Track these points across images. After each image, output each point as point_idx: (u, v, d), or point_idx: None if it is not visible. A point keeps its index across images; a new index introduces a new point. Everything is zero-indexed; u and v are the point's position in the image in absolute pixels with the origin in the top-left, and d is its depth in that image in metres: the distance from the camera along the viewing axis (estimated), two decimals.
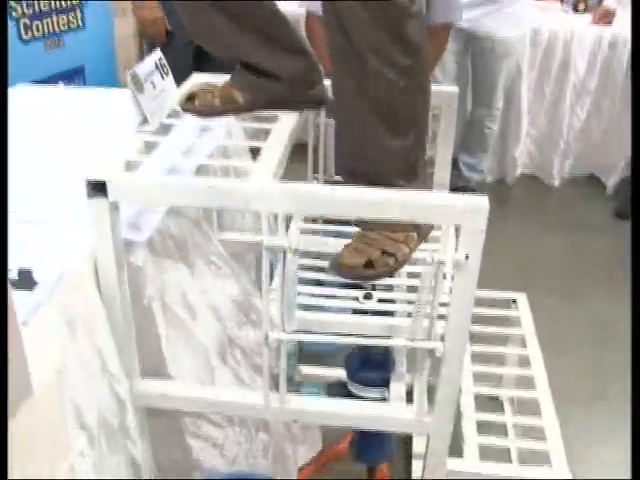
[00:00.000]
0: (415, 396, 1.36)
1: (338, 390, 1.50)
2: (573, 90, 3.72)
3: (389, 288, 1.46)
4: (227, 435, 1.60)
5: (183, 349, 1.56)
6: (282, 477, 1.74)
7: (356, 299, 1.40)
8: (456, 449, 1.53)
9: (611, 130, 3.81)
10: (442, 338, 1.26)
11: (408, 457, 2.05)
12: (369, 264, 1.30)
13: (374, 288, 1.43)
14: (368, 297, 1.39)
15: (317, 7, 2.28)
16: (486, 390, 1.73)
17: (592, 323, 2.78)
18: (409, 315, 1.32)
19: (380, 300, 1.40)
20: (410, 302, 1.35)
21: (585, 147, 3.93)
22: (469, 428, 1.59)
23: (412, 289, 1.37)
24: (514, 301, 2.05)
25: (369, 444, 1.64)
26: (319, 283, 1.45)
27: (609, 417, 2.29)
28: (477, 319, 1.93)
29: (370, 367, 1.49)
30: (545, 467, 1.51)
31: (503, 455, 1.85)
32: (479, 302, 1.95)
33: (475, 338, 1.88)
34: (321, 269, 1.43)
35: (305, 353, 1.91)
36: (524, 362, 1.84)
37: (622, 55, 3.57)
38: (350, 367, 1.50)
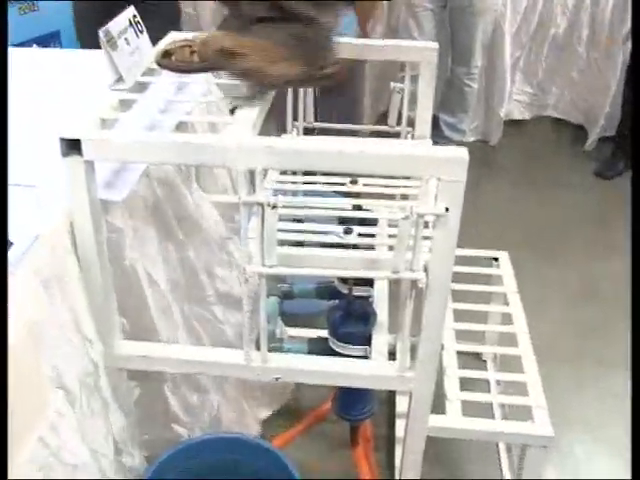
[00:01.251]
0: (397, 351, 1.36)
1: (320, 347, 1.50)
2: (554, 44, 3.72)
3: (372, 223, 1.45)
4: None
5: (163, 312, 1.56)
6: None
7: (337, 235, 1.39)
8: (439, 407, 1.53)
9: (596, 85, 3.80)
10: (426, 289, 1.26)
11: (392, 417, 2.06)
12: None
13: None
14: (348, 232, 1.38)
15: None
16: (468, 347, 1.74)
17: (574, 282, 2.79)
18: (391, 249, 1.30)
19: (361, 235, 1.39)
20: (392, 236, 1.33)
21: (571, 100, 3.96)
22: (452, 385, 1.59)
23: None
24: (496, 259, 2.05)
25: (351, 400, 1.64)
26: (298, 220, 1.45)
27: (591, 375, 2.30)
28: (459, 277, 1.93)
29: (352, 322, 1.49)
30: (528, 422, 1.51)
31: (486, 412, 1.87)
32: (460, 261, 1.95)
33: (457, 296, 1.88)
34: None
35: (288, 316, 1.91)
36: (506, 320, 1.85)
37: (605, 9, 3.56)
38: (332, 323, 1.49)
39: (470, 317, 1.83)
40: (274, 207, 1.20)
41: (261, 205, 1.20)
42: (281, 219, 1.37)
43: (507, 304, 1.86)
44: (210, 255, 1.70)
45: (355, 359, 1.44)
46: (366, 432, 1.85)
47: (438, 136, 3.38)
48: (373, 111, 3.56)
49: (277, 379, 1.41)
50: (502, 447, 1.96)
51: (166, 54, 1.43)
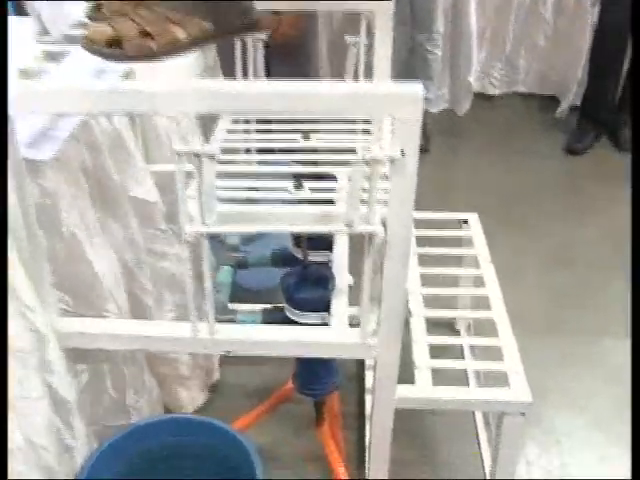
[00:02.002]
0: (360, 316, 1.24)
1: (276, 317, 1.38)
2: (520, 10, 3.63)
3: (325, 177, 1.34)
4: None
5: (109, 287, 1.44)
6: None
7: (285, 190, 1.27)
8: (408, 378, 1.42)
9: (566, 52, 3.68)
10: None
11: (361, 393, 1.95)
12: (116, 42, 1.15)
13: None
14: (298, 187, 1.26)
15: None
16: (438, 313, 1.62)
17: (545, 248, 2.70)
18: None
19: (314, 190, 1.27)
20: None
21: (540, 71, 3.84)
22: (421, 352, 1.48)
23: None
24: (465, 221, 1.94)
25: (313, 374, 1.52)
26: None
27: (568, 344, 2.21)
28: (426, 241, 1.82)
29: (309, 287, 1.37)
30: (504, 389, 1.41)
31: (460, 382, 1.77)
32: (427, 224, 1.85)
33: (425, 261, 1.78)
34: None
35: (242, 291, 1.80)
36: (478, 283, 1.74)
37: None
38: (287, 289, 1.37)
39: (439, 283, 1.72)
40: (212, 157, 1.09)
41: (197, 156, 1.08)
42: (230, 177, 1.27)
43: (478, 267, 1.75)
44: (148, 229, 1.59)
45: (314, 327, 1.33)
46: (333, 409, 1.74)
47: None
48: (333, 70, 3.40)
49: (228, 353, 1.29)
50: (479, 420, 1.86)
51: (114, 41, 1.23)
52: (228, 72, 2.17)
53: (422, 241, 1.82)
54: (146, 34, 1.15)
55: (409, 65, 3.38)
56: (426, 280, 1.71)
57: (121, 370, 1.50)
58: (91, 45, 1.17)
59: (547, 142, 3.50)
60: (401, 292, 1.22)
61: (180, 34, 1.16)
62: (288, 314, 1.37)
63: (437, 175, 3.03)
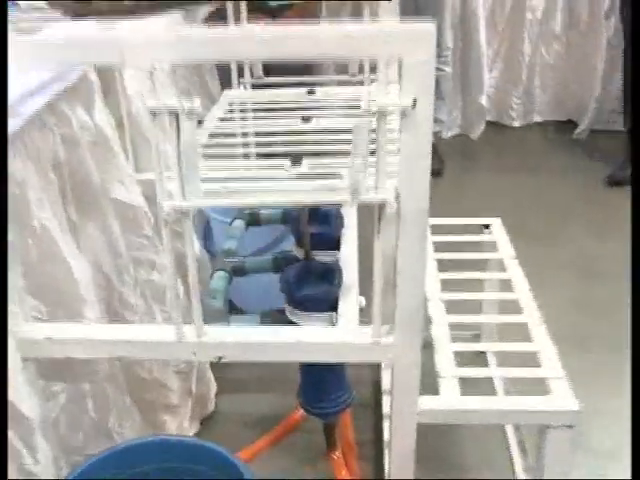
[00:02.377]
0: (372, 312, 1.06)
1: (275, 320, 1.20)
2: (531, 27, 3.47)
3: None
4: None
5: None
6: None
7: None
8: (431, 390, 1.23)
9: (582, 70, 3.53)
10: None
11: (377, 420, 1.74)
12: None
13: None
14: (296, 162, 1.08)
15: None
16: (462, 318, 1.42)
17: (572, 260, 2.51)
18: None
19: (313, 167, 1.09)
20: None
21: (553, 89, 3.68)
22: (445, 361, 1.29)
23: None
24: (486, 227, 1.75)
25: (320, 388, 1.32)
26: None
27: (597, 357, 2.00)
28: (444, 246, 1.64)
29: (312, 283, 1.19)
30: (545, 397, 1.20)
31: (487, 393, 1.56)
32: (448, 229, 1.67)
33: (446, 266, 1.59)
34: None
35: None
36: (505, 287, 1.54)
37: None
38: (287, 286, 1.19)
39: (461, 289, 1.52)
40: (191, 115, 0.92)
41: (174, 114, 0.92)
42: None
43: (504, 270, 1.56)
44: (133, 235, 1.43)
45: (318, 327, 1.14)
46: (347, 437, 1.54)
47: None
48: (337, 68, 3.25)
49: (219, 359, 1.11)
50: (511, 437, 1.65)
51: None
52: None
53: (440, 246, 1.64)
54: None
55: None
56: (446, 286, 1.52)
57: (103, 390, 1.31)
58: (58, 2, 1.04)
59: (569, 156, 3.32)
60: (419, 278, 1.04)
61: None
62: (289, 315, 1.19)
63: (451, 199, 2.86)
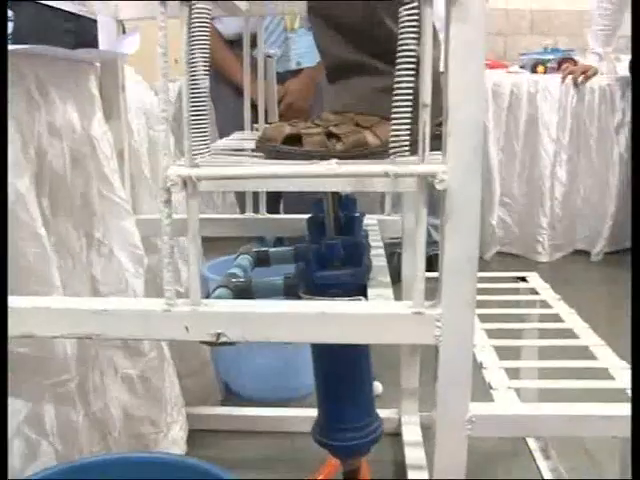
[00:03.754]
0: (416, 282, 0.85)
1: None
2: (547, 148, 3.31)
3: None
4: None
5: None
6: None
7: None
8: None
9: (591, 194, 3.38)
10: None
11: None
12: (294, 138, 0.93)
13: None
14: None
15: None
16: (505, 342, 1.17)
17: None
18: None
19: None
20: None
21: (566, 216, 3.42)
22: (495, 376, 1.04)
23: None
24: (523, 279, 1.54)
25: (340, 409, 1.05)
26: None
27: None
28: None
29: (335, 266, 0.97)
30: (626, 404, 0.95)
31: None
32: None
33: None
34: None
35: None
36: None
37: (592, 104, 3.26)
38: (304, 268, 0.98)
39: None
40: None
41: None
42: None
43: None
44: None
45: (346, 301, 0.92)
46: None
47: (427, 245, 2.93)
48: None
49: (217, 337, 0.87)
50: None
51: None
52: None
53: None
54: (331, 135, 0.96)
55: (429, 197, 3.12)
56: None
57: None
58: (265, 143, 0.95)
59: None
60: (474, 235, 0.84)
61: (370, 138, 0.98)
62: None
63: None
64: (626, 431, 0.91)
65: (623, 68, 3.22)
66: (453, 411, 0.89)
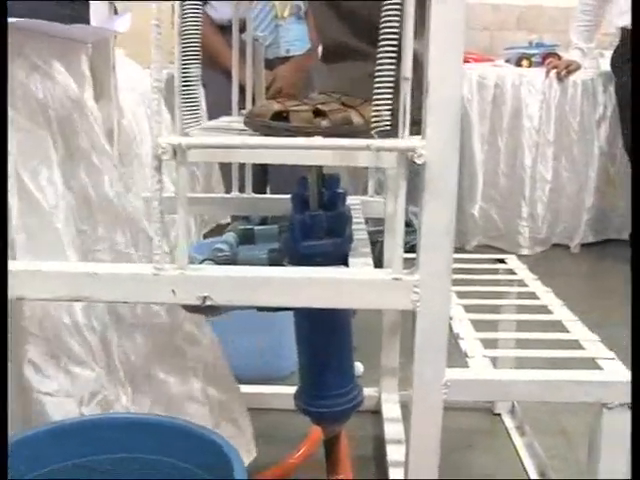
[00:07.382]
0: (394, 250, 0.89)
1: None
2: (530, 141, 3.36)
3: None
4: None
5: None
6: None
7: None
8: None
9: (570, 187, 3.42)
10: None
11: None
12: (281, 115, 0.97)
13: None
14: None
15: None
16: (485, 317, 1.21)
17: None
18: None
19: None
20: None
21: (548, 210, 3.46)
22: (471, 345, 1.08)
23: None
24: (501, 261, 1.58)
25: (322, 374, 1.09)
26: None
27: None
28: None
29: (319, 237, 1.01)
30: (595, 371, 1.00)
31: None
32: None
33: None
34: None
35: None
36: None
37: (575, 98, 3.31)
38: (289, 240, 1.01)
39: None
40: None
41: None
42: None
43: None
44: None
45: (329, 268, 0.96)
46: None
47: (409, 233, 2.95)
48: None
49: (204, 301, 0.91)
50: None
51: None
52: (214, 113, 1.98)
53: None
54: (318, 112, 0.99)
55: (411, 185, 3.15)
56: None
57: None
58: (254, 119, 0.98)
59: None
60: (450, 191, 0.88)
61: (355, 117, 1.02)
62: None
63: None
64: (594, 396, 0.95)
65: (605, 64, 3.27)
66: (430, 375, 0.93)
